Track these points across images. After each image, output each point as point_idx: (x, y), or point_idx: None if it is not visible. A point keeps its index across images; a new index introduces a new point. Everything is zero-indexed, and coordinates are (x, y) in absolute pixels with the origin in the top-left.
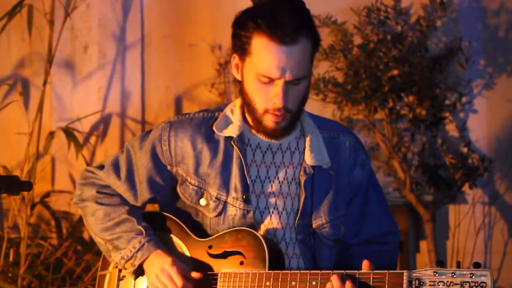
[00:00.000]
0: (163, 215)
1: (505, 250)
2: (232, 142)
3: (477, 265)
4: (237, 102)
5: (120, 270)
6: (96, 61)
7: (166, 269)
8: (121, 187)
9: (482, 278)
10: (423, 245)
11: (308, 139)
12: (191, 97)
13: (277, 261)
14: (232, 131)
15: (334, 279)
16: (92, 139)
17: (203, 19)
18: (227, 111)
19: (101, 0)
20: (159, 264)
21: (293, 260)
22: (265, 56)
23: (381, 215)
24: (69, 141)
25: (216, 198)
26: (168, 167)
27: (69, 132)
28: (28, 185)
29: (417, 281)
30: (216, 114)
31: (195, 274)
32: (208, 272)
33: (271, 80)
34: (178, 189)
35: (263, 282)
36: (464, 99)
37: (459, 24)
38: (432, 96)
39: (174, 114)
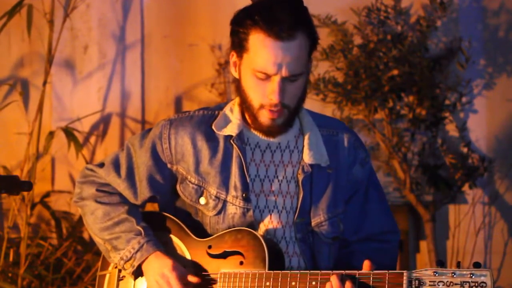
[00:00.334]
0: (162, 215)
1: (505, 250)
2: (231, 141)
3: (477, 265)
4: (237, 100)
5: (119, 270)
6: (96, 61)
7: (165, 275)
8: (121, 185)
9: (482, 278)
10: (423, 245)
11: (306, 137)
12: (191, 97)
13: (277, 261)
14: (232, 130)
15: (334, 279)
16: (92, 139)
17: (203, 19)
18: (227, 110)
19: (101, 0)
20: (158, 267)
21: (293, 258)
22: (262, 52)
23: (381, 214)
24: (69, 141)
25: (216, 196)
26: (168, 165)
27: (69, 132)
28: (28, 185)
29: (417, 281)
30: (216, 112)
31: (193, 279)
32: (208, 273)
33: (267, 76)
34: (178, 188)
35: (263, 282)
36: (464, 99)
37: (459, 24)
38: (432, 96)
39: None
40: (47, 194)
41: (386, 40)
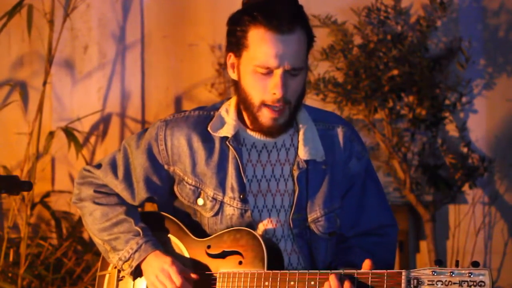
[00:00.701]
0: (161, 215)
1: (505, 250)
2: (227, 142)
3: (475, 264)
4: (232, 101)
5: (119, 271)
6: (96, 61)
7: (165, 269)
8: (118, 186)
9: (481, 277)
10: (423, 245)
11: (301, 132)
12: (191, 97)
13: (275, 261)
14: (227, 131)
15: (332, 279)
16: (92, 139)
17: (203, 19)
18: (222, 111)
19: (101, 0)
20: (158, 264)
21: (293, 256)
22: (263, 46)
23: (379, 208)
24: (69, 141)
25: (213, 198)
26: (165, 167)
27: (69, 132)
28: (28, 185)
29: (415, 281)
30: (212, 113)
31: (193, 275)
32: (207, 272)
33: (269, 71)
34: (176, 189)
35: (262, 282)
36: (464, 99)
37: (459, 24)
38: (432, 96)
39: None
40: (47, 194)
41: (386, 40)
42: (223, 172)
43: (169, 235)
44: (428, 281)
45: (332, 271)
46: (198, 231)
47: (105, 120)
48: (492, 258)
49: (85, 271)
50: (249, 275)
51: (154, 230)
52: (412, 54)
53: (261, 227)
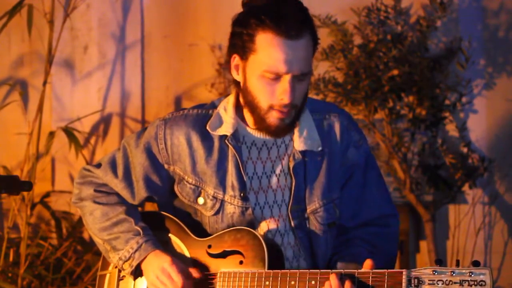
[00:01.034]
0: (162, 215)
1: (505, 250)
2: (226, 141)
3: (476, 264)
4: (230, 99)
5: (120, 270)
6: (96, 61)
7: (166, 269)
8: (118, 185)
9: (481, 277)
10: (423, 245)
11: (297, 123)
12: (191, 97)
13: (276, 261)
14: (226, 129)
15: (333, 279)
16: (92, 139)
17: (203, 19)
18: (220, 109)
19: (101, 0)
20: (158, 263)
21: (294, 249)
22: (272, 52)
23: (380, 198)
24: (69, 141)
25: (213, 196)
26: (165, 166)
27: (69, 132)
28: (28, 185)
29: (416, 280)
30: (210, 111)
31: (194, 272)
32: (208, 272)
33: (277, 77)
34: (176, 188)
35: (263, 282)
36: (464, 99)
37: (459, 24)
38: (432, 96)
39: None
40: (47, 194)
41: (386, 40)
42: (223, 170)
43: (170, 235)
44: (429, 280)
45: (333, 270)
46: (199, 230)
47: (105, 120)
48: (492, 258)
49: (85, 271)
50: (249, 275)
51: (154, 230)
52: (412, 54)
53: (263, 224)
